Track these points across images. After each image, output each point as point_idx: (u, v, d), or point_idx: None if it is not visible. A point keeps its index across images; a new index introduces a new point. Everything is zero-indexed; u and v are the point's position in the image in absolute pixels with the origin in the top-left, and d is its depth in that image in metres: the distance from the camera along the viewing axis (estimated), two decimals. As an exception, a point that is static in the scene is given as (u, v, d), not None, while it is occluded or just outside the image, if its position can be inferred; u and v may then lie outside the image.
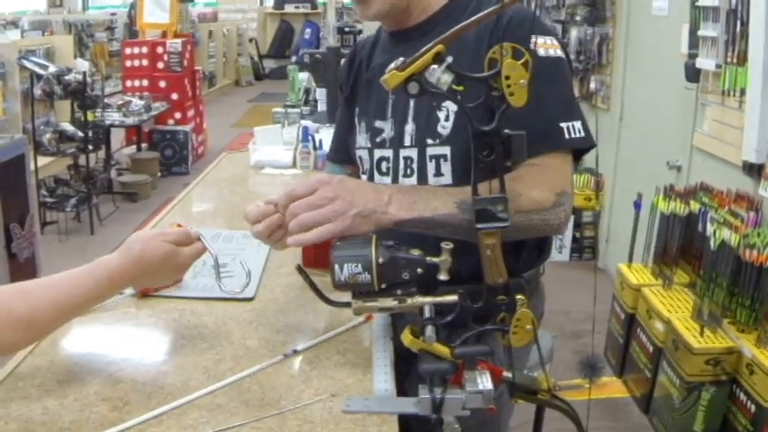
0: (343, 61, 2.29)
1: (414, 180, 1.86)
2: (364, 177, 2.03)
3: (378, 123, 1.95)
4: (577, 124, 1.70)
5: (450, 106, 1.77)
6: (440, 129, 1.79)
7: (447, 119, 1.78)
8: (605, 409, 4.21)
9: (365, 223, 1.57)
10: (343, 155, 2.21)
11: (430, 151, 1.82)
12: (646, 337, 4.09)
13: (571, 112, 1.72)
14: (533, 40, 1.66)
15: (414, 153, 1.86)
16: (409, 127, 1.86)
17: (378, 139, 1.96)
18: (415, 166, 1.86)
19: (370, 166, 1.99)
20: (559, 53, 1.75)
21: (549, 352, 3.14)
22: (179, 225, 1.78)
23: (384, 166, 1.95)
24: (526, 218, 1.62)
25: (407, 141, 1.87)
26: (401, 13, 1.86)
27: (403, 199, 1.59)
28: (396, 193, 1.61)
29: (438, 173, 1.81)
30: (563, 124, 1.69)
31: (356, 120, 2.06)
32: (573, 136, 1.69)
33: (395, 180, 1.91)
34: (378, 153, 1.96)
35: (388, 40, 1.98)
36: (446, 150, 1.80)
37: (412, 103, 1.85)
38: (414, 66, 1.33)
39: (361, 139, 2.02)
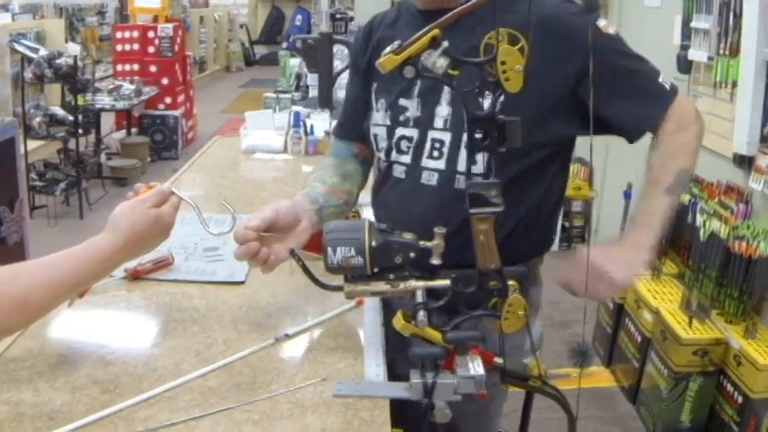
0: (355, 37, 2.28)
1: (441, 163, 1.85)
2: (380, 155, 2.02)
3: (402, 102, 1.92)
4: (661, 75, 1.88)
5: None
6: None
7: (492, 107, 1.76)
8: (593, 398, 4.22)
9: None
10: (350, 132, 2.17)
11: (466, 138, 1.75)
12: (634, 327, 4.10)
13: (657, 68, 1.90)
14: (601, 24, 1.83)
15: (446, 137, 1.84)
16: (442, 109, 1.84)
17: (401, 118, 1.93)
18: (445, 149, 1.84)
19: (388, 145, 1.96)
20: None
21: (539, 340, 3.15)
22: (150, 186, 1.77)
23: (404, 144, 1.92)
24: (697, 151, 1.90)
25: (439, 124, 1.85)
26: None
27: (649, 240, 1.82)
28: (646, 249, 1.80)
29: (471, 160, 1.74)
30: (660, 80, 1.87)
31: (373, 96, 2.02)
32: (670, 85, 1.88)
33: (416, 159, 1.90)
34: (399, 131, 1.93)
35: (418, 18, 1.91)
36: None
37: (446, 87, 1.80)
38: (410, 50, 1.33)
39: (379, 116, 1.99)
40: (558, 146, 1.90)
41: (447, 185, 1.85)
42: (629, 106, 1.82)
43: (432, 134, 1.86)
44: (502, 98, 1.64)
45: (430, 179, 1.88)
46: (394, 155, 1.95)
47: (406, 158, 1.92)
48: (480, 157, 1.71)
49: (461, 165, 1.81)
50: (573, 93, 1.78)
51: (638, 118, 1.85)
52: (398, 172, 1.95)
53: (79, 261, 1.58)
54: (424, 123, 1.88)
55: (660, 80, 1.86)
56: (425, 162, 1.88)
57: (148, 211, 1.68)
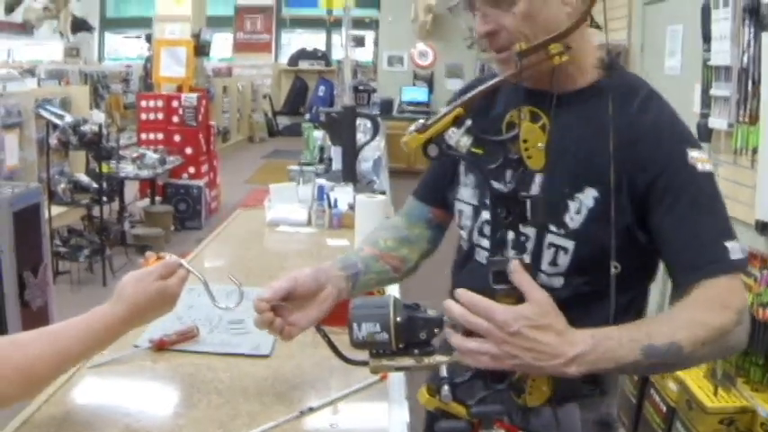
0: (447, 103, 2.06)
1: (526, 258, 1.63)
2: (462, 233, 1.89)
3: (494, 184, 1.67)
4: (737, 245, 1.58)
5: (585, 200, 1.62)
6: (567, 219, 1.64)
7: (578, 212, 1.63)
8: (618, 469, 4.18)
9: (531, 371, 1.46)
10: (430, 196, 2.03)
11: (550, 238, 1.67)
12: (659, 397, 4.07)
13: (731, 231, 1.61)
14: (690, 154, 1.60)
15: (531, 232, 1.68)
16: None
17: (488, 201, 1.71)
18: (529, 245, 1.69)
19: (472, 226, 1.84)
20: (711, 167, 1.64)
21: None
22: (159, 257, 1.81)
23: (487, 229, 1.78)
24: (710, 348, 1.50)
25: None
26: (542, 74, 1.60)
27: (585, 360, 1.41)
28: (579, 356, 1.41)
29: (554, 263, 1.67)
30: (727, 243, 1.57)
31: (462, 169, 1.89)
32: (737, 256, 1.56)
33: (498, 249, 1.69)
34: (485, 215, 1.80)
35: (519, 92, 1.72)
36: (569, 244, 1.64)
37: (539, 178, 1.61)
38: (433, 128, 1.35)
39: (466, 192, 1.86)
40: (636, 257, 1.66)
41: None
42: (685, 252, 1.58)
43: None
44: (592, 203, 1.61)
45: None
46: (476, 237, 1.84)
47: (488, 245, 1.72)
48: (563, 260, 1.65)
49: (545, 263, 1.68)
50: (639, 205, 1.62)
51: (686, 269, 1.58)
52: (481, 257, 1.83)
53: (82, 331, 1.62)
54: None
55: (727, 244, 1.56)
56: (508, 252, 1.68)
57: (153, 284, 1.72)
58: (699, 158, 1.61)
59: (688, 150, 1.60)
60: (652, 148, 1.58)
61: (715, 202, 1.62)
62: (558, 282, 1.67)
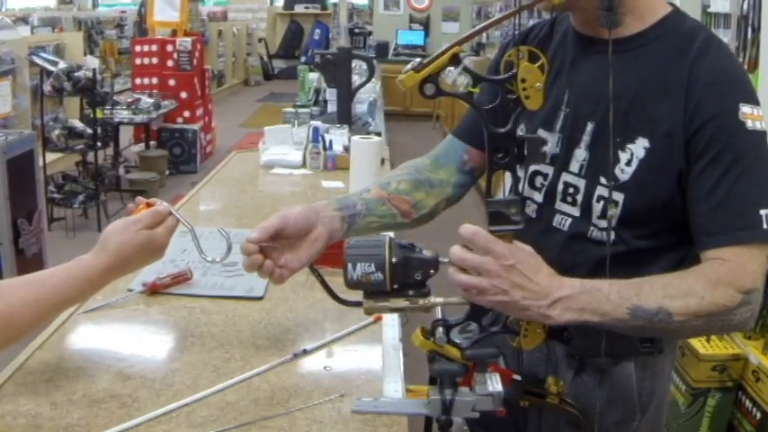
0: (504, 43, 2.00)
1: (576, 210, 1.66)
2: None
3: (542, 132, 1.71)
4: None
5: (636, 150, 1.55)
6: (617, 171, 1.57)
7: (629, 163, 1.56)
8: (611, 414, 4.19)
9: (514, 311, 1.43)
10: (470, 136, 1.89)
11: (599, 191, 1.61)
12: (652, 342, 4.08)
13: None
14: (742, 109, 1.48)
15: (581, 184, 1.65)
16: (581, 153, 1.65)
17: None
18: (579, 198, 1.65)
19: (522, 177, 1.75)
20: (763, 126, 1.50)
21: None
22: (148, 204, 1.72)
23: (538, 181, 1.73)
24: (706, 321, 1.44)
25: (575, 168, 1.66)
26: (592, 17, 1.55)
27: (569, 305, 1.41)
28: (564, 299, 1.41)
29: (602, 216, 1.61)
30: (763, 211, 1.46)
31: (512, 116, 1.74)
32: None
33: (548, 200, 1.72)
34: (534, 165, 1.74)
35: (576, 39, 1.71)
36: (618, 197, 1.57)
37: (590, 127, 1.62)
38: (430, 67, 1.32)
39: None
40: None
41: (579, 233, 1.66)
42: (714, 213, 1.48)
43: (565, 177, 1.68)
44: (643, 153, 1.54)
45: (562, 223, 1.69)
46: (527, 190, 1.76)
47: (539, 197, 1.73)
48: (613, 213, 1.56)
49: (594, 216, 1.63)
50: (681, 157, 1.53)
51: (711, 231, 1.49)
52: (530, 210, 1.75)
53: (65, 280, 1.57)
54: (560, 163, 1.69)
55: (763, 211, 1.45)
56: (559, 205, 1.70)
57: (139, 234, 1.65)
58: (751, 115, 1.49)
59: (741, 104, 1.48)
60: (704, 94, 1.49)
61: (759, 165, 1.48)
62: (611, 235, 1.59)
